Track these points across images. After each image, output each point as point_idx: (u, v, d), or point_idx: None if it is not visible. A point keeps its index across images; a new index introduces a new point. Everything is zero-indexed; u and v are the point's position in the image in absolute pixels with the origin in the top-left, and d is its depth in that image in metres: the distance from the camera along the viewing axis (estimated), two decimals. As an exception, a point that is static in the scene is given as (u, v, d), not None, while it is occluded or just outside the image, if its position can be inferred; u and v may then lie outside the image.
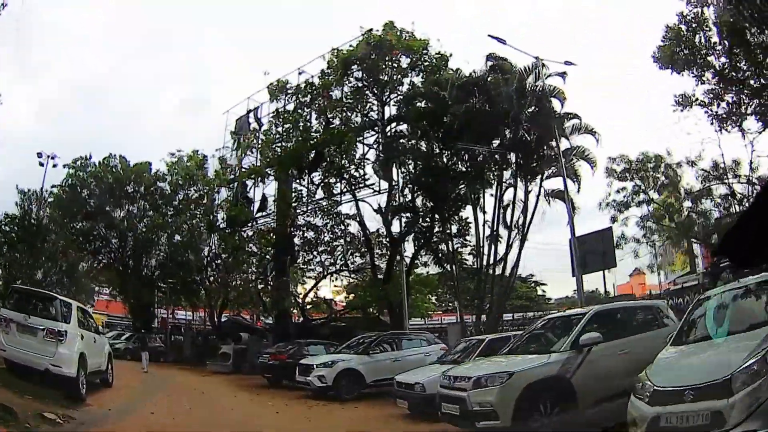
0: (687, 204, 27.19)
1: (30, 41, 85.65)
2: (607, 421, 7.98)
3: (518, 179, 26.29)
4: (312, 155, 29.22)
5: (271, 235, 33.47)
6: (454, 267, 28.42)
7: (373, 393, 17.39)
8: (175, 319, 46.50)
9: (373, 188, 29.26)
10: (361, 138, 28.70)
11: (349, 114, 29.19)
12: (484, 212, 26.57)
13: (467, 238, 29.06)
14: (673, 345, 7.70)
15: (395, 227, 29.03)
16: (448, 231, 28.92)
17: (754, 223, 2.63)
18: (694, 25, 20.69)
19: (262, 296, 33.83)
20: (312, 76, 30.80)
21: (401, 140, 28.14)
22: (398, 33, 28.00)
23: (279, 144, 30.44)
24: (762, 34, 18.57)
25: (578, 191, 24.72)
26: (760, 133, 22.06)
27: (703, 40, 20.83)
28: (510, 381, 9.33)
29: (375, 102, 29.14)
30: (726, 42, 19.92)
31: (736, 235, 2.89)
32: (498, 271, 27.07)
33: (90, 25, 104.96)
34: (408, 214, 28.03)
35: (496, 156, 25.94)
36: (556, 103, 25.46)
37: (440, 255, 29.43)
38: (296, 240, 32.77)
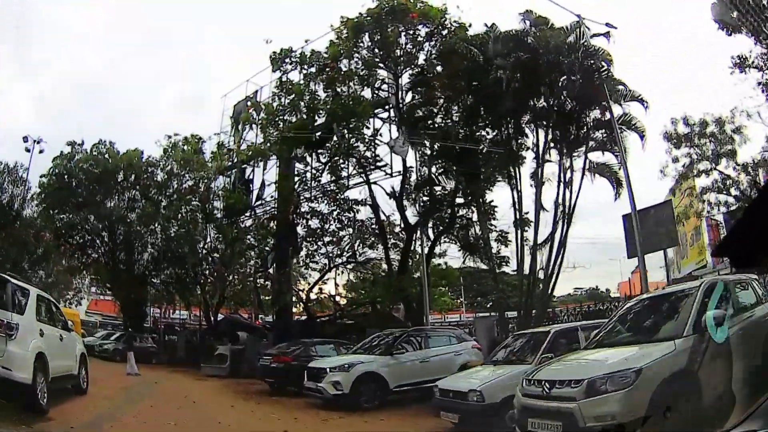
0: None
1: (30, 38, 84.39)
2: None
3: (561, 152, 23.04)
4: (319, 131, 26.22)
5: (272, 224, 30.52)
6: (489, 254, 24.96)
7: (397, 400, 15.01)
8: (168, 318, 43.42)
9: (385, 170, 26.40)
10: (372, 114, 25.66)
11: (359, 88, 26.22)
12: (520, 192, 23.51)
13: (493, 222, 26.23)
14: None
15: (410, 213, 26.39)
16: (474, 214, 25.97)
17: (755, 222, 2.39)
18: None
19: (260, 291, 30.73)
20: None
21: (421, 109, 25.05)
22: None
23: (282, 117, 27.35)
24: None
25: (625, 166, 21.73)
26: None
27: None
28: (638, 382, 6.88)
29: (388, 75, 26.18)
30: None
31: (737, 234, 2.60)
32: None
33: (89, 23, 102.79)
34: (426, 197, 25.05)
35: (537, 124, 22.80)
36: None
37: (472, 240, 26.41)
38: (299, 229, 29.79)
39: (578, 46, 21.59)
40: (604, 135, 22.79)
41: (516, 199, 23.25)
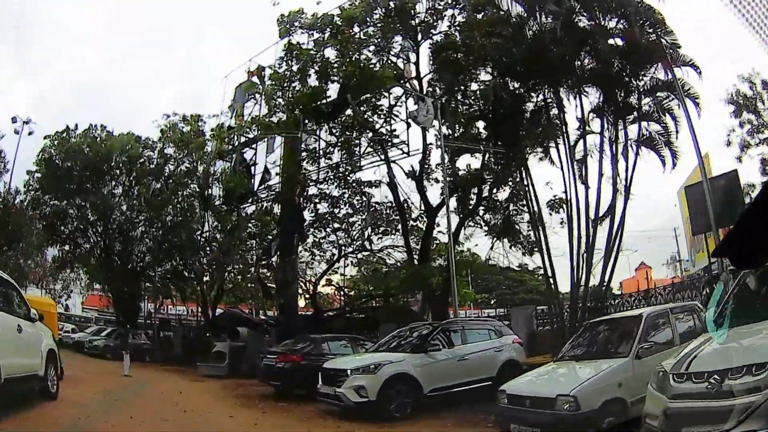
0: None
1: (29, 38, 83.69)
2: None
3: (614, 120, 20.13)
4: (331, 101, 23.53)
5: (276, 209, 27.87)
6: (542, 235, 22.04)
7: (428, 407, 12.34)
8: (164, 313, 40.71)
9: (402, 148, 23.72)
10: (394, 81, 22.90)
11: (375, 58, 23.48)
12: (573, 163, 20.54)
13: (521, 204, 23.65)
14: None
15: (431, 194, 23.69)
16: (504, 193, 23.32)
17: (754, 223, 2.38)
18: None
19: (264, 282, 27.95)
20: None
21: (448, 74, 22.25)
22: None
23: (289, 85, 24.47)
24: None
25: (676, 137, 19.02)
26: None
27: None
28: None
29: (406, 43, 23.46)
30: None
31: (737, 235, 2.51)
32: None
33: (89, 22, 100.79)
34: (450, 173, 22.25)
35: (580, 89, 19.99)
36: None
37: (501, 223, 23.83)
38: (306, 214, 27.09)
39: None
40: (653, 102, 20.03)
41: (568, 173, 20.10)
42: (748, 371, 4.75)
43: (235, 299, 34.95)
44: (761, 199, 2.47)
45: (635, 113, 19.72)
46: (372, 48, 23.39)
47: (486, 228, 24.74)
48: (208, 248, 32.45)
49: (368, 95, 22.44)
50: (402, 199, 24.07)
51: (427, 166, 23.95)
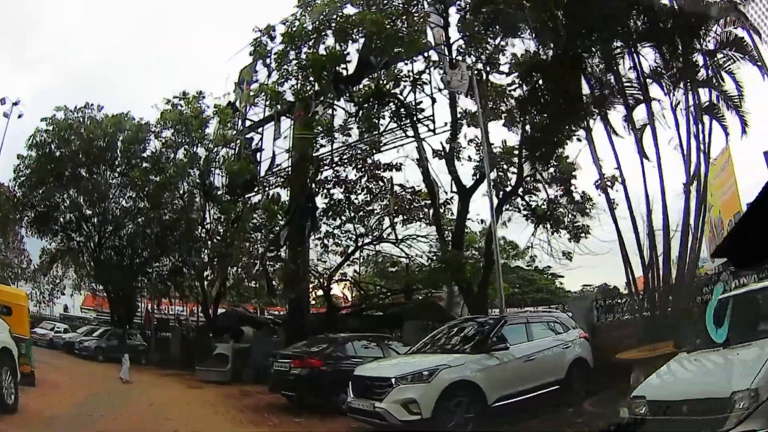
0: None
1: (26, 32, 79.40)
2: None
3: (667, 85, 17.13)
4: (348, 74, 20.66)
5: (285, 195, 25.07)
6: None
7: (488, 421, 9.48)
8: (162, 312, 37.78)
9: (428, 125, 20.86)
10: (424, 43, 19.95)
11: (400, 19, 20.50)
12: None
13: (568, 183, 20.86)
14: None
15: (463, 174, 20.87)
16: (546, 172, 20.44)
17: (755, 223, 2.31)
18: None
19: (270, 276, 24.93)
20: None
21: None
22: None
23: (303, 46, 21.45)
24: None
25: (740, 105, 15.98)
26: None
27: None
28: None
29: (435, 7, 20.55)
30: None
31: (737, 235, 2.49)
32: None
33: (86, 16, 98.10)
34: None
35: (635, 50, 17.05)
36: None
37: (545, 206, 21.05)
38: (319, 200, 24.19)
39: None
40: (716, 64, 17.03)
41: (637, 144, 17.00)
42: None
43: (238, 297, 32.04)
44: (761, 199, 2.25)
45: (698, 76, 16.69)
46: (397, 5, 20.38)
47: (526, 212, 21.81)
48: (209, 242, 29.61)
49: (393, 59, 19.48)
50: (433, 178, 20.99)
51: (457, 143, 21.02)
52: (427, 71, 21.25)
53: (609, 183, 18.67)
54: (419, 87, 21.09)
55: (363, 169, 23.48)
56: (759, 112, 16.87)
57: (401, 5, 20.58)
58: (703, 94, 17.05)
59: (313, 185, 23.77)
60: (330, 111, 22.92)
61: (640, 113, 17.51)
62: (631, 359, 11.00)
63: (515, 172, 20.66)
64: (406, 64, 20.41)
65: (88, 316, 51.42)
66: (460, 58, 20.13)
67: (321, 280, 24.48)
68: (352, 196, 24.01)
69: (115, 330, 28.96)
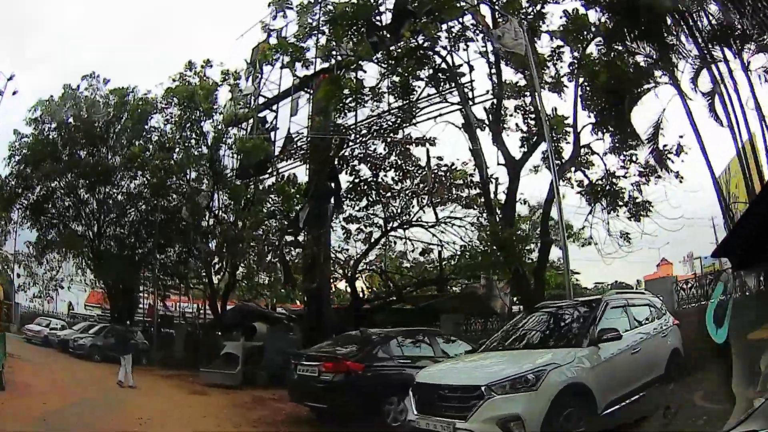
0: None
1: (26, 32, 77.82)
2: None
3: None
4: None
5: (305, 173, 22.12)
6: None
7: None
8: (166, 309, 34.83)
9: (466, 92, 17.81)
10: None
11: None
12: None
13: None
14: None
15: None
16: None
17: (754, 223, 2.46)
18: None
19: (287, 263, 21.80)
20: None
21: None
22: None
23: None
24: None
25: None
26: None
27: None
28: None
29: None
30: None
31: (737, 235, 2.80)
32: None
33: (86, 16, 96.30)
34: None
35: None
36: None
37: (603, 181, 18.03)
38: (342, 178, 21.21)
39: None
40: None
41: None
42: None
43: (249, 291, 29.04)
44: (761, 199, 2.65)
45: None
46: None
47: (580, 189, 18.91)
48: (218, 230, 26.67)
49: (436, 8, 16.45)
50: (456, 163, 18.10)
51: (499, 112, 18.06)
52: (468, 33, 18.34)
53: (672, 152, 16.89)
54: (458, 48, 18.15)
55: (392, 144, 20.45)
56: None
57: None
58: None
59: (336, 161, 20.75)
60: (357, 74, 19.81)
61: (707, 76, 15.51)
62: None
63: (569, 142, 17.92)
64: (445, 22, 17.33)
65: (93, 313, 48.74)
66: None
67: (345, 269, 21.42)
68: (381, 173, 20.99)
69: (113, 327, 25.92)
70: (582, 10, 17.17)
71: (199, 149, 26.57)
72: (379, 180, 21.10)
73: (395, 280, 23.30)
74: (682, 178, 17.62)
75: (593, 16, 17.14)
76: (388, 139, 20.37)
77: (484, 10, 17.74)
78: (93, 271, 31.71)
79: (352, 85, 19.02)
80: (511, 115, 18.83)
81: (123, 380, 16.03)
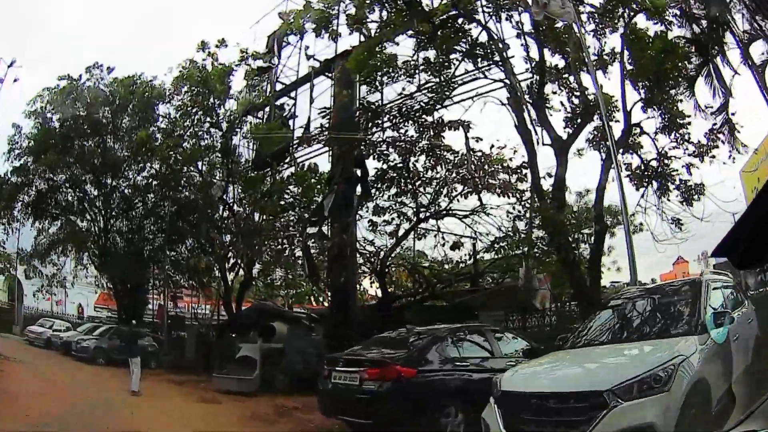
0: None
1: (26, 32, 79.77)
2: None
3: None
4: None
5: (328, 159, 20.14)
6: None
7: None
8: (176, 309, 32.90)
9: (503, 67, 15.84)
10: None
11: None
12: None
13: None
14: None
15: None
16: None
17: (754, 223, 2.32)
18: None
19: (312, 255, 19.74)
20: None
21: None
22: None
23: None
24: None
25: None
26: None
27: None
28: None
29: None
30: None
31: (737, 235, 2.39)
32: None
33: (86, 16, 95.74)
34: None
35: None
36: None
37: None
38: (370, 163, 19.24)
39: None
40: None
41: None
42: None
43: (266, 289, 27.09)
44: (761, 199, 2.32)
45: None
46: None
47: (629, 172, 17.16)
48: (233, 225, 24.77)
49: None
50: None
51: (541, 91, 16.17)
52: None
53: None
54: (499, 19, 16.21)
55: (425, 127, 18.44)
56: None
57: None
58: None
59: (363, 145, 18.77)
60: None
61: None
62: None
63: (617, 121, 16.26)
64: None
65: (102, 315, 47.15)
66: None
67: (374, 261, 19.43)
68: (412, 159, 18.99)
69: (119, 328, 23.99)
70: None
71: (212, 137, 24.76)
72: (410, 166, 19.05)
73: (426, 275, 21.27)
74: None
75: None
76: (421, 121, 18.32)
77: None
78: (98, 269, 29.93)
79: (384, 56, 17.06)
80: (554, 93, 17.17)
81: (137, 389, 14.27)
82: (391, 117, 18.68)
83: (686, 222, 16.59)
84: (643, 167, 17.09)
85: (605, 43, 16.97)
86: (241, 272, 24.56)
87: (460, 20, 16.32)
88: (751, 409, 3.20)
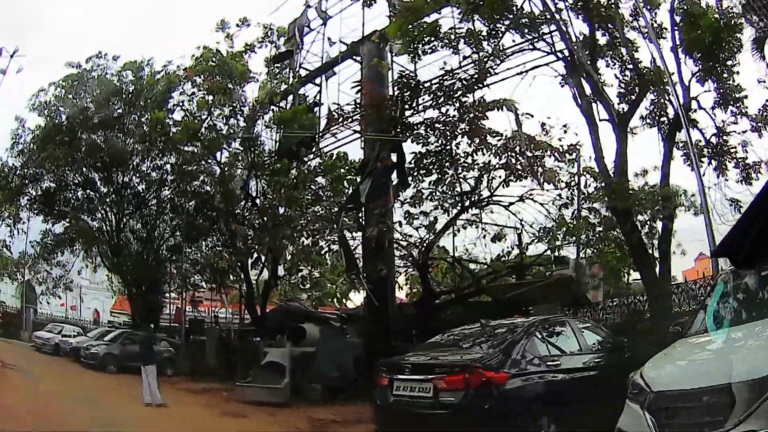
0: None
1: (26, 32, 79.19)
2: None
3: None
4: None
5: (360, 146, 18.31)
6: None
7: None
8: (196, 312, 31.16)
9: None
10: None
11: None
12: None
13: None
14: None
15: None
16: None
17: (754, 223, 2.43)
18: None
19: (348, 246, 17.75)
20: None
21: None
22: None
23: None
24: None
25: None
26: None
27: None
28: None
29: None
30: None
31: (737, 235, 2.61)
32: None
33: (86, 16, 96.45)
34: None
35: None
36: None
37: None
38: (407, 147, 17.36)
39: None
40: None
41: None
42: None
43: (296, 288, 25.25)
44: (761, 199, 2.35)
45: None
46: None
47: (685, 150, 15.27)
48: (256, 220, 22.88)
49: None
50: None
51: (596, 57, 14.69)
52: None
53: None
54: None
55: (466, 107, 16.48)
56: None
57: None
58: None
59: (399, 127, 16.87)
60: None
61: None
62: None
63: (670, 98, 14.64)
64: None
65: (120, 321, 45.70)
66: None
67: (414, 256, 17.51)
68: (453, 142, 17.06)
69: (131, 333, 22.17)
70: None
71: (231, 125, 22.96)
72: (450, 149, 17.11)
73: (471, 269, 19.33)
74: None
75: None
76: (463, 100, 16.40)
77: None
78: (110, 269, 28.29)
79: (426, 24, 15.27)
80: (607, 66, 15.69)
81: (150, 400, 12.70)
82: (431, 94, 16.77)
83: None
84: (703, 144, 15.53)
85: (656, 14, 15.60)
86: (265, 271, 22.67)
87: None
88: (751, 409, 3.21)
